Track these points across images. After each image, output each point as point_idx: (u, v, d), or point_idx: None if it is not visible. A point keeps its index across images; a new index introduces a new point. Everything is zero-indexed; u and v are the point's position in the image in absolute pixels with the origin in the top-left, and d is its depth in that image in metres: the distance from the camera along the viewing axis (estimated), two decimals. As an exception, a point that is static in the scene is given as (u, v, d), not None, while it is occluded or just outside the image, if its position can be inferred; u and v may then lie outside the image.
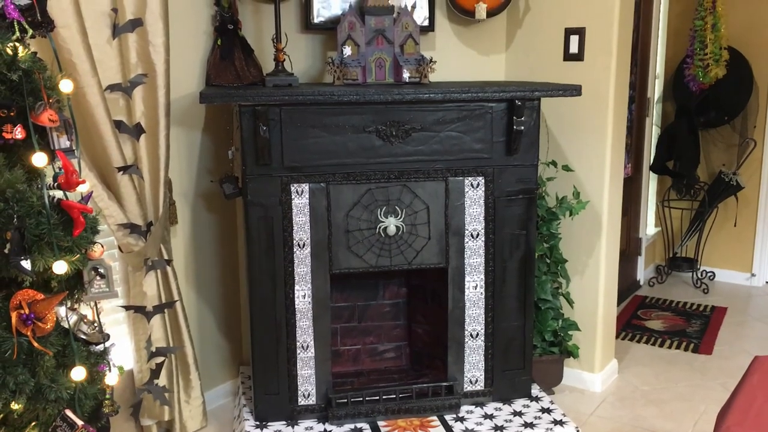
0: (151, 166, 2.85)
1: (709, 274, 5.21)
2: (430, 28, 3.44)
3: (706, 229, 5.10)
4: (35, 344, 2.01)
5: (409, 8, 3.25)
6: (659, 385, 3.66)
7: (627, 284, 4.93)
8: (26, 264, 1.96)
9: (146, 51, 2.76)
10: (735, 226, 5.10)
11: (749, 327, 4.43)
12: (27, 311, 1.99)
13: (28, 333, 2.00)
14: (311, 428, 2.99)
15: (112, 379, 2.32)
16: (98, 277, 2.21)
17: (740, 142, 5.01)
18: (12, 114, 1.97)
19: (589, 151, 3.41)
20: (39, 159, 2.01)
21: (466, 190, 3.01)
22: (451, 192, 2.99)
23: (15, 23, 1.99)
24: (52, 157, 2.07)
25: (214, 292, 3.42)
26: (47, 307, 2.02)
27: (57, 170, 2.10)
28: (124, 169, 2.72)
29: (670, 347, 4.12)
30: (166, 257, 2.96)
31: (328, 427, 2.99)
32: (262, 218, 2.88)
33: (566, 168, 3.43)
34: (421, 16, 3.38)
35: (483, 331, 3.13)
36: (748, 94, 4.89)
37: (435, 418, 3.06)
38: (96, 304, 2.31)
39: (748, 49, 4.85)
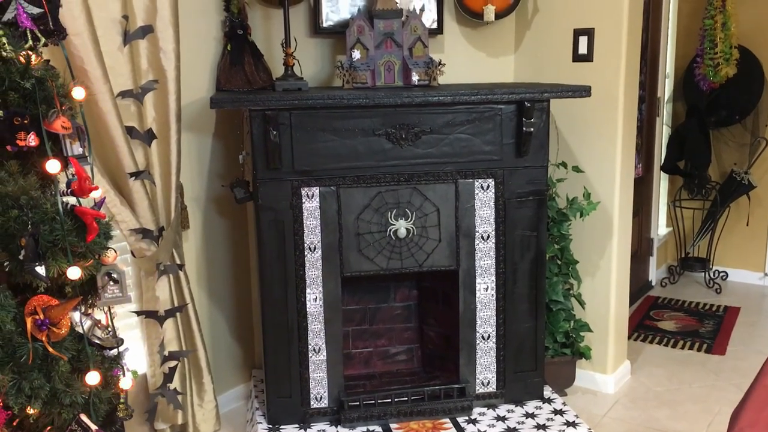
0: (162, 171, 2.87)
1: (721, 274, 5.18)
2: (439, 30, 3.45)
3: (718, 229, 5.07)
4: (50, 349, 2.03)
5: (418, 11, 3.26)
6: (672, 386, 3.65)
7: (639, 285, 4.91)
8: (41, 270, 1.97)
9: (157, 57, 2.78)
10: (747, 225, 5.07)
11: (762, 327, 4.40)
12: (42, 317, 2.01)
13: (43, 338, 2.02)
14: (324, 431, 3.00)
15: (126, 383, 2.33)
16: (112, 282, 2.22)
17: (752, 141, 4.98)
18: (25, 122, 1.99)
19: (600, 151, 3.41)
20: (52, 166, 2.03)
21: (476, 192, 3.01)
22: (461, 194, 2.99)
23: (28, 32, 2.01)
24: (65, 163, 2.09)
25: (226, 296, 3.43)
26: (62, 312, 2.04)
27: (70, 177, 2.12)
28: (136, 174, 2.74)
29: (683, 348, 4.10)
30: (178, 262, 2.97)
31: (340, 429, 3.00)
32: (273, 222, 2.89)
33: (576, 169, 3.42)
34: (429, 19, 3.39)
35: (494, 332, 3.13)
36: (759, 92, 4.86)
37: (447, 420, 3.06)
38: (110, 309, 2.32)
39: (758, 48, 4.82)
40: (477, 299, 3.09)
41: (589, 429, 2.99)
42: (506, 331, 3.14)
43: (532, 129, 2.94)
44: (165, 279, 2.92)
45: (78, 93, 2.11)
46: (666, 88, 5.07)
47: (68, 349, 2.09)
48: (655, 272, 5.17)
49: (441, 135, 2.93)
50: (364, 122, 2.87)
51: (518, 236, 3.08)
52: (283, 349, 2.99)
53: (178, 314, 2.97)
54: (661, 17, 4.73)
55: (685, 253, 5.26)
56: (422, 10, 3.36)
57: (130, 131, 2.75)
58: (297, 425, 3.04)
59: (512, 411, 3.14)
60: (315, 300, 2.98)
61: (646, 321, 4.50)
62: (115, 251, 2.22)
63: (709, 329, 4.35)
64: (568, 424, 3.01)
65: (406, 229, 2.97)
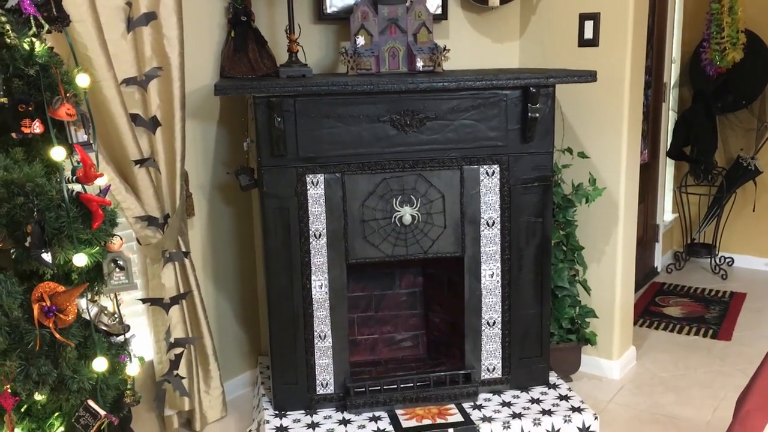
0: (167, 158, 2.87)
1: (727, 260, 5.17)
2: (443, 16, 3.43)
3: (725, 215, 5.06)
4: (57, 336, 2.04)
5: (422, -3, 3.23)
6: (678, 371, 3.65)
7: (645, 271, 4.90)
8: (47, 257, 1.98)
9: (161, 44, 2.77)
10: (753, 211, 5.06)
11: (769, 313, 4.40)
12: (48, 303, 2.02)
13: (50, 325, 2.03)
14: (330, 417, 3.01)
15: (133, 369, 2.34)
16: (118, 269, 2.23)
17: (758, 126, 4.96)
18: (30, 109, 1.99)
19: (605, 137, 3.39)
20: (57, 153, 2.03)
21: (482, 178, 3.00)
22: (466, 180, 2.99)
23: (32, 18, 2.00)
24: (71, 150, 2.09)
25: (231, 284, 3.44)
26: (68, 299, 2.05)
27: (75, 164, 2.13)
28: (141, 162, 2.74)
29: (688, 334, 4.10)
30: (183, 249, 2.98)
31: (346, 415, 3.01)
32: (278, 209, 2.89)
33: (582, 155, 3.41)
34: (434, 5, 3.36)
35: (500, 319, 3.14)
36: (765, 77, 4.83)
37: (453, 406, 3.07)
38: (116, 296, 2.33)
39: (765, 32, 4.78)
40: (482, 286, 3.09)
41: (595, 414, 3.00)
42: (512, 318, 3.14)
43: (537, 115, 2.93)
44: (170, 266, 2.93)
45: (82, 80, 2.11)
46: (672, 73, 5.04)
47: (75, 336, 2.10)
48: (660, 258, 5.16)
49: (446, 121, 2.92)
50: (368, 109, 2.86)
51: (524, 222, 3.07)
52: (289, 336, 3.00)
53: (183, 301, 2.97)
54: (668, 1, 4.69)
55: (691, 239, 5.25)
56: (427, -5, 3.34)
57: (134, 118, 2.75)
58: (303, 411, 3.05)
59: (518, 397, 3.14)
60: (320, 287, 2.98)
61: (652, 307, 4.50)
62: (121, 238, 2.23)
63: (714, 315, 4.35)
64: (574, 409, 3.01)
65: (411, 215, 2.97)
